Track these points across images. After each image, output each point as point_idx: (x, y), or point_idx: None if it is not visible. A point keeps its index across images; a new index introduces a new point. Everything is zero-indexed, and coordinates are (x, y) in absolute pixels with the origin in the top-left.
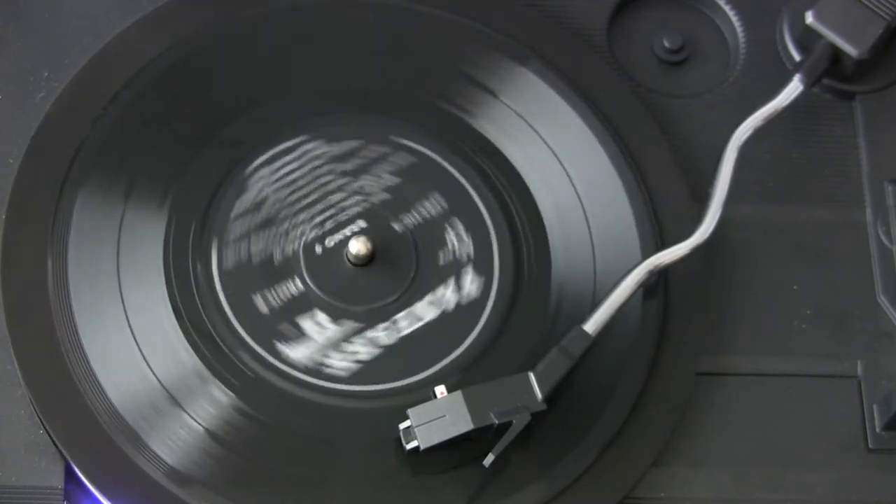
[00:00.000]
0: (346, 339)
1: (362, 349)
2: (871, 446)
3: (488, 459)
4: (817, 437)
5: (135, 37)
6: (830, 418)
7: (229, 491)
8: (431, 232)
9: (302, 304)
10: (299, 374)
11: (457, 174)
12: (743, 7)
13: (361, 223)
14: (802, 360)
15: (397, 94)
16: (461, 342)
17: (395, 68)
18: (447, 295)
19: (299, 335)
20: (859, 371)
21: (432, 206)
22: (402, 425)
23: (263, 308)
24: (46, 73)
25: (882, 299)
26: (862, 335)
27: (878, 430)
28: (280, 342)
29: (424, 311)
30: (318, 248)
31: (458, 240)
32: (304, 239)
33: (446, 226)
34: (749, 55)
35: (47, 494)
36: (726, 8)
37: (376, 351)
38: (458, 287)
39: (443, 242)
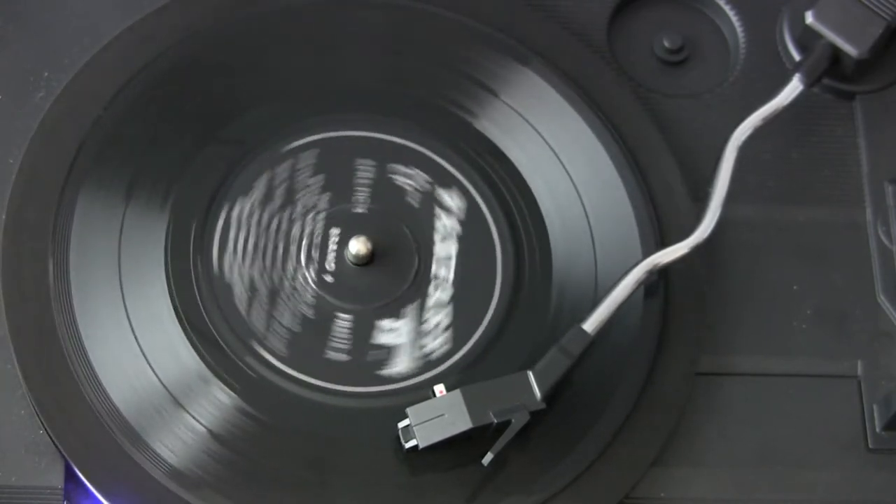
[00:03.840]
0: (420, 320)
1: (436, 317)
2: (871, 446)
3: (487, 458)
4: (817, 437)
5: (135, 37)
6: (830, 418)
7: (230, 491)
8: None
9: (363, 328)
10: (300, 374)
11: (457, 174)
12: (743, 7)
13: (336, 231)
14: (802, 360)
15: (398, 94)
16: (461, 341)
17: (396, 68)
18: (450, 224)
19: (387, 351)
20: (859, 371)
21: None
22: (401, 424)
23: (342, 357)
24: (46, 73)
25: (882, 299)
26: (862, 335)
27: (878, 430)
28: (378, 370)
29: (445, 249)
30: (329, 278)
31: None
32: (311, 282)
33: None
34: (749, 55)
35: (47, 494)
36: (726, 8)
37: (448, 308)
38: (447, 209)
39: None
